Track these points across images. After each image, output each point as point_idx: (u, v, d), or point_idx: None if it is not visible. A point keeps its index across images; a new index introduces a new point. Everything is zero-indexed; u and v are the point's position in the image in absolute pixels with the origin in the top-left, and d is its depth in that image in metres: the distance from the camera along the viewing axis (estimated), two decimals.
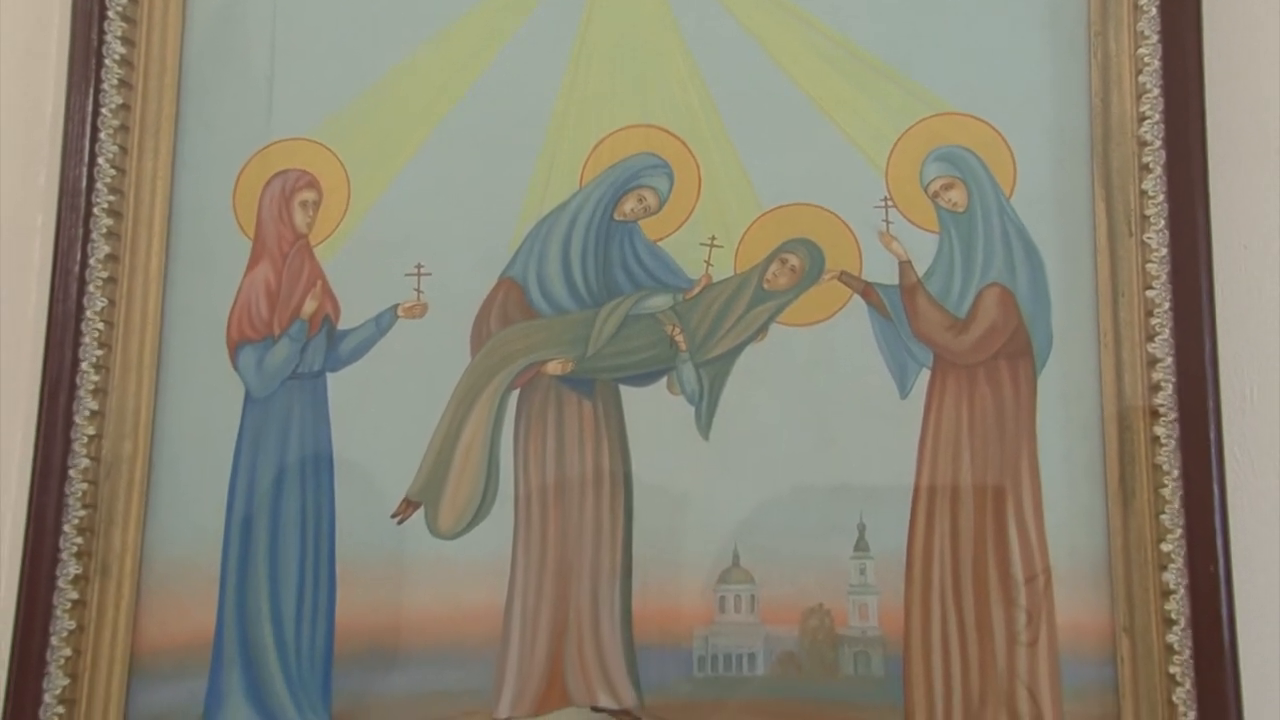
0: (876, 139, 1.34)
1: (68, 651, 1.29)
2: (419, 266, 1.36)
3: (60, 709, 1.28)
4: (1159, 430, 1.23)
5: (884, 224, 1.33)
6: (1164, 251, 1.26)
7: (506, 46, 1.39)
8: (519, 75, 1.39)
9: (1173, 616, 1.20)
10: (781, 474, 1.30)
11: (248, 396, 1.36)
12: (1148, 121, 1.28)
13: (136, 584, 1.32)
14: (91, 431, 1.33)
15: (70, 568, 1.30)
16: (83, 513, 1.31)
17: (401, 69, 1.41)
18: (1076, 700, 1.23)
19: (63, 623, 1.29)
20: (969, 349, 1.30)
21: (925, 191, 1.33)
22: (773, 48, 1.37)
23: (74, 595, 1.30)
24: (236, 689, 1.32)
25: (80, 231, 1.34)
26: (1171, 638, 1.20)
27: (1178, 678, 1.19)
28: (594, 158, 1.36)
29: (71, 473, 1.31)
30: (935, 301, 1.31)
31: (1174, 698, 1.19)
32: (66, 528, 1.30)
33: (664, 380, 1.33)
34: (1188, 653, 1.20)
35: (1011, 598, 1.26)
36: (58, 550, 1.30)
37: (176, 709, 1.31)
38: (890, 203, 1.33)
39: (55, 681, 1.28)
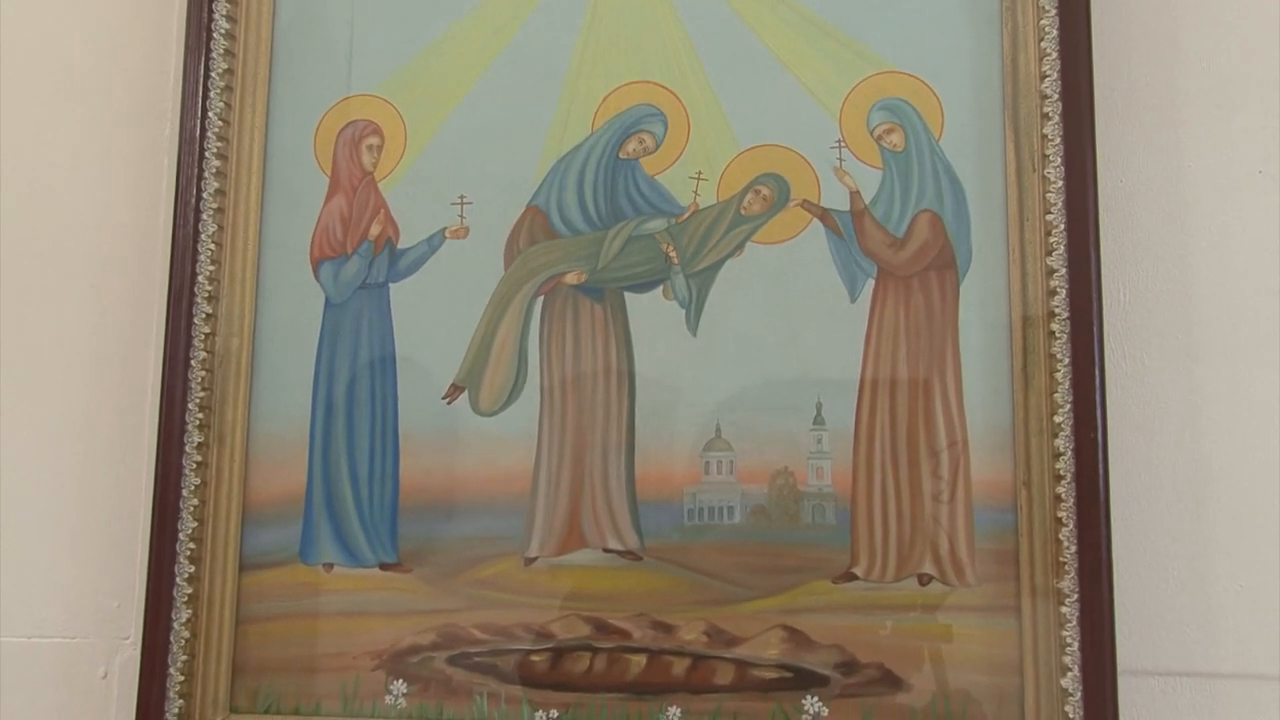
0: (831, 91, 1.40)
1: (195, 502, 1.41)
2: (462, 197, 1.44)
3: (191, 545, 1.40)
4: (1054, 327, 1.31)
5: (838, 161, 1.39)
6: (1060, 184, 1.32)
7: (532, 15, 1.46)
8: (542, 39, 1.46)
9: (1061, 473, 1.29)
10: (755, 364, 1.37)
11: (327, 303, 1.45)
12: (1048, 79, 1.34)
13: (245, 450, 1.43)
14: (207, 330, 1.43)
15: (194, 437, 1.41)
16: (202, 394, 1.42)
17: (450, 34, 1.48)
18: (985, 540, 1.32)
19: (190, 479, 1.41)
20: (905, 263, 1.37)
21: (871, 135, 1.40)
22: (748, 17, 1.43)
23: (198, 459, 1.41)
24: (324, 532, 1.42)
25: (195, 171, 1.44)
26: (1060, 490, 1.29)
27: (1064, 520, 1.28)
28: (603, 107, 1.44)
29: (193, 362, 1.42)
30: (879, 224, 1.38)
31: (1060, 536, 1.28)
32: (190, 405, 1.41)
33: (660, 288, 1.40)
34: (1072, 500, 1.28)
35: (936, 462, 1.34)
36: (184, 423, 1.41)
37: (279, 546, 1.43)
38: (843, 144, 1.39)
39: (186, 524, 1.40)
